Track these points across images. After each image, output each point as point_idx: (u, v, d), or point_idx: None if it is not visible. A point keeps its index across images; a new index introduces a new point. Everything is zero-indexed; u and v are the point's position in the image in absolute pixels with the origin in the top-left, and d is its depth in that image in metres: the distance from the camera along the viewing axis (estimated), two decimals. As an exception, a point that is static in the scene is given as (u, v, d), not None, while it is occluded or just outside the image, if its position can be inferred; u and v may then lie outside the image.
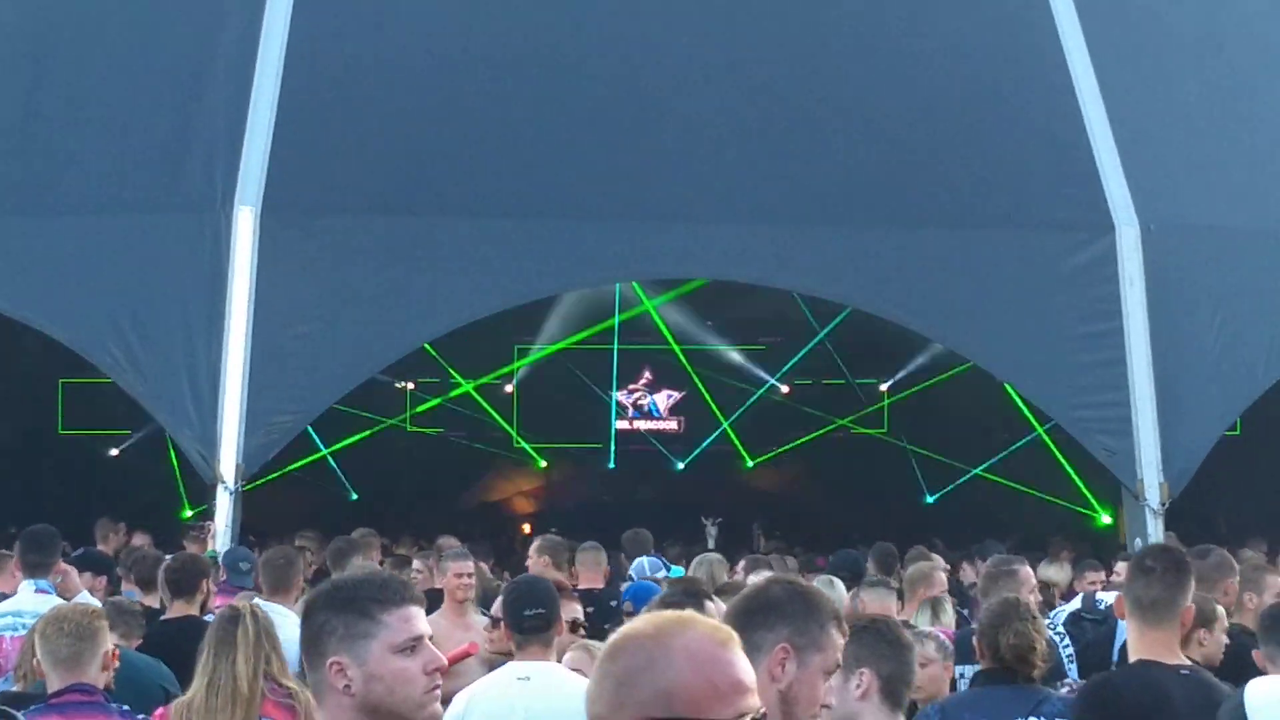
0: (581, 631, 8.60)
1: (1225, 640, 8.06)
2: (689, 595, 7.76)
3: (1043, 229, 16.54)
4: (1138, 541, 15.89)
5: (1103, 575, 13.15)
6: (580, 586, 11.70)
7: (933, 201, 16.68)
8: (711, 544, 17.27)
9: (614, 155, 16.60)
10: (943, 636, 8.09)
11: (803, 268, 16.68)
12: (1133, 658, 5.91)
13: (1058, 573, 13.75)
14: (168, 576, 9.74)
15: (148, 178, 16.08)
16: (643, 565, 11.78)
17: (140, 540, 15.29)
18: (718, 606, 7.97)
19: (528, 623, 7.22)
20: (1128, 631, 6.13)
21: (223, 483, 14.99)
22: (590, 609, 10.14)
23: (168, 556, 12.91)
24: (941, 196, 16.70)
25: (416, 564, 12.88)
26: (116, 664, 6.88)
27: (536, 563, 12.46)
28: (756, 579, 11.55)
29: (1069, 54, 17.19)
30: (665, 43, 17.26)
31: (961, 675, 8.23)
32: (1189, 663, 5.89)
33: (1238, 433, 18.38)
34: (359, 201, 16.19)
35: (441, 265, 15.99)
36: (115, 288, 15.53)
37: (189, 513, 21.12)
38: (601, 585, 12.17)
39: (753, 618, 4.15)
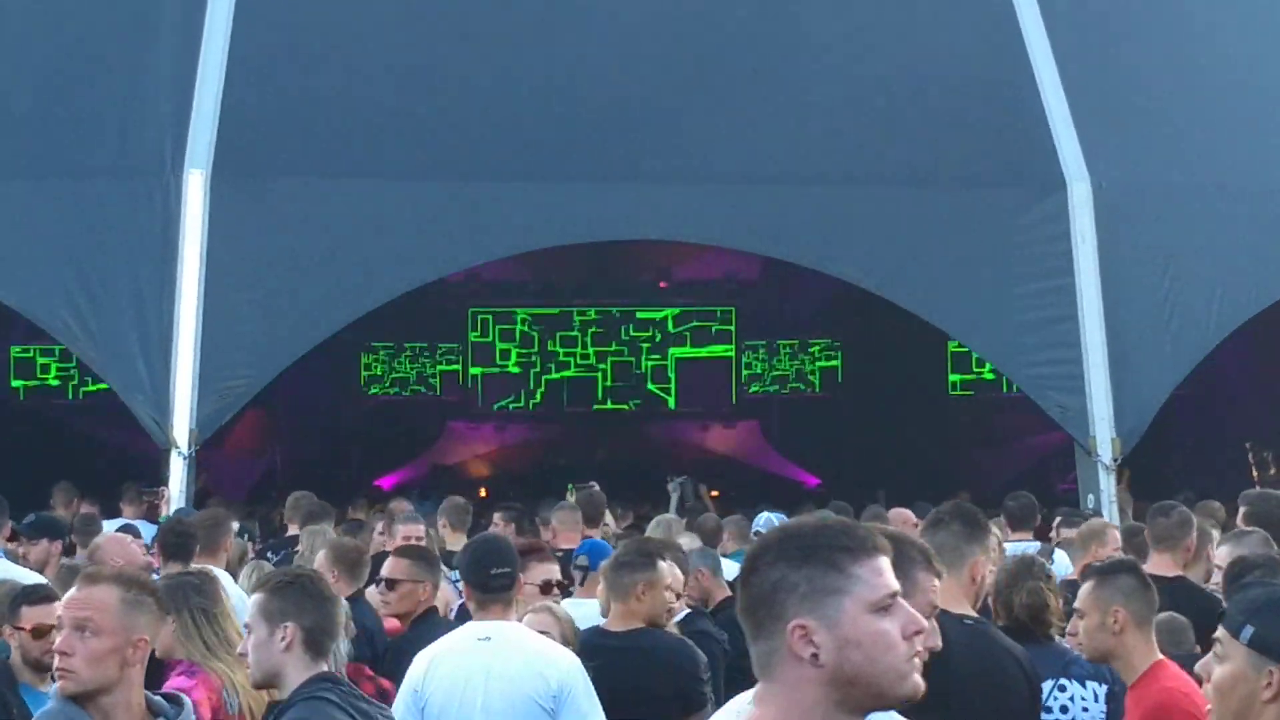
0: (556, 592, 8.54)
1: None
2: (643, 555, 7.87)
3: (994, 186, 16.59)
4: (1090, 498, 15.98)
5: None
6: (561, 546, 11.61)
7: (884, 159, 16.69)
8: (674, 505, 17.21)
9: (563, 116, 16.56)
10: None
11: (753, 227, 16.70)
12: None
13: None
14: (165, 540, 9.69)
15: (96, 141, 15.96)
16: (770, 520, 11.58)
17: (88, 508, 15.21)
18: (670, 567, 8.05)
19: (494, 581, 7.17)
20: None
21: (176, 448, 14.94)
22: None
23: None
24: (892, 154, 16.71)
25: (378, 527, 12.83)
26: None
27: (441, 525, 12.51)
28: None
29: (1020, 11, 17.20)
30: (614, 3, 17.21)
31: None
32: (974, 614, 6.03)
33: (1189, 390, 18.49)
34: (310, 164, 16.11)
35: (392, 228, 15.95)
36: (65, 253, 15.43)
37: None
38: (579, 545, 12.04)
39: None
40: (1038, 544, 12.34)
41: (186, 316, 15.22)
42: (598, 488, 14.01)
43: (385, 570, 8.63)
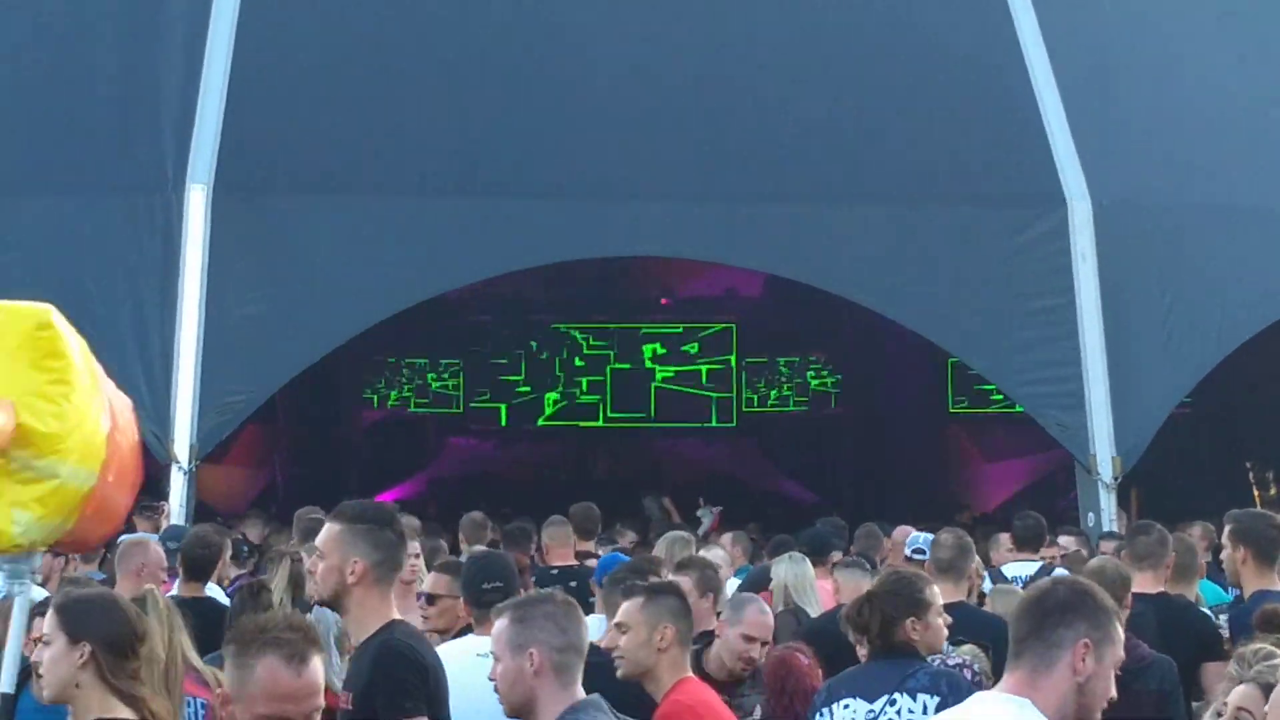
0: None
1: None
2: (635, 572, 7.97)
3: (994, 204, 16.61)
4: (1090, 516, 15.98)
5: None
6: (554, 564, 11.57)
7: (884, 177, 16.72)
8: (703, 530, 17.08)
9: (566, 132, 16.59)
10: None
11: (752, 244, 16.72)
12: None
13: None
14: (186, 557, 9.69)
15: (98, 157, 16.00)
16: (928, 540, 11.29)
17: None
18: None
19: (486, 596, 7.20)
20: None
21: (177, 463, 14.96)
22: (574, 584, 10.17)
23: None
24: (893, 171, 16.74)
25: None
26: None
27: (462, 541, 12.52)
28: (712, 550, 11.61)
29: (1020, 28, 17.23)
30: (613, 20, 17.24)
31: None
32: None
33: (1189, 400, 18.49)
34: (311, 180, 16.15)
35: (393, 244, 15.97)
36: (66, 268, 15.43)
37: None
38: (574, 561, 12.00)
39: (1049, 617, 4.42)
40: (1040, 563, 12.34)
41: (187, 332, 15.24)
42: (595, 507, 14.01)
43: (426, 585, 8.59)
